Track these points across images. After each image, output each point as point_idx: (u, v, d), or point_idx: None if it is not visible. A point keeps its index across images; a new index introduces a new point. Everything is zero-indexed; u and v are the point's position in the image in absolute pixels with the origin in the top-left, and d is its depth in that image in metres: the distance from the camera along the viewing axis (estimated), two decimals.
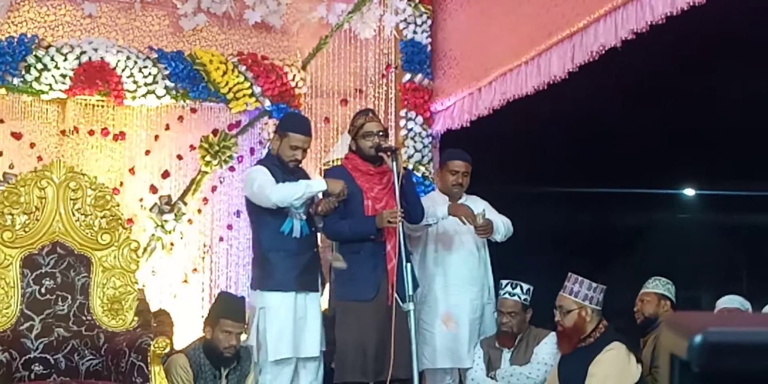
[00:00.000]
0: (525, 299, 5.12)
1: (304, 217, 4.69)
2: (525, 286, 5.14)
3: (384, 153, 4.65)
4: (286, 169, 4.72)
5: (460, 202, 5.31)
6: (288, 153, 4.71)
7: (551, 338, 5.04)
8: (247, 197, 4.75)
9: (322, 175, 5.23)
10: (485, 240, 5.34)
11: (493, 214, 5.24)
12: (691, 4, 4.61)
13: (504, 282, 5.18)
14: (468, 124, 6.91)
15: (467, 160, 5.38)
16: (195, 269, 6.94)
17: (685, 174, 10.28)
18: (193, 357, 4.83)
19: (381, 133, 4.76)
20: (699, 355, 0.82)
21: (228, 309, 4.93)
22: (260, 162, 4.88)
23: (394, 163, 4.57)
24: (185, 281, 6.89)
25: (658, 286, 5.56)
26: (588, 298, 4.48)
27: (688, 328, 0.82)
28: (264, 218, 4.69)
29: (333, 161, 6.68)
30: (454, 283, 5.27)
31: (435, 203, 5.19)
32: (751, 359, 0.82)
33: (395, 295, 4.52)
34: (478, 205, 5.31)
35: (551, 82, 5.90)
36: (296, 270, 4.63)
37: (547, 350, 5.02)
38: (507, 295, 5.13)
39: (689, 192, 11.54)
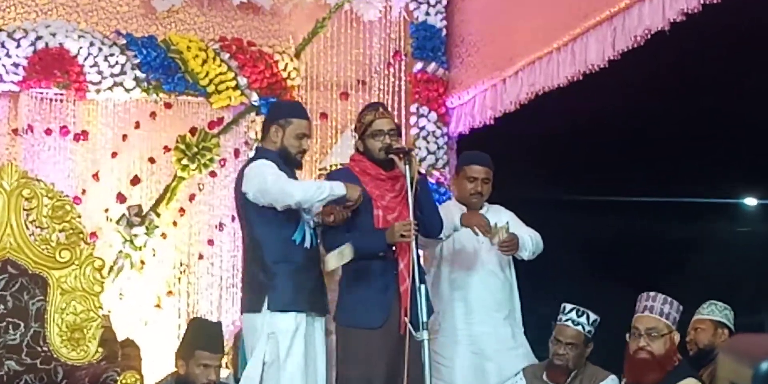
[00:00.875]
0: (589, 331, 5.11)
1: (313, 226, 4.67)
2: (592, 317, 5.12)
3: (396, 155, 4.63)
4: (292, 165, 4.67)
5: (480, 213, 5.32)
6: (295, 143, 4.65)
7: (611, 382, 5.03)
8: (249, 198, 4.56)
9: (324, 178, 5.22)
10: (510, 258, 5.34)
11: (519, 228, 5.23)
12: None
13: (568, 307, 5.17)
14: (491, 122, 6.91)
15: (487, 165, 5.38)
16: (170, 292, 6.94)
17: (745, 180, 10.27)
18: None
19: (392, 132, 4.75)
20: None
21: (204, 338, 4.92)
22: (260, 157, 4.70)
23: (408, 167, 4.55)
24: (158, 306, 6.88)
25: (714, 311, 5.56)
26: (675, 322, 4.51)
27: (752, 353, 0.82)
28: (271, 224, 4.56)
29: (331, 166, 6.68)
30: (477, 310, 5.27)
31: (450, 214, 5.19)
32: None
33: (408, 322, 4.51)
34: (501, 216, 5.31)
35: (588, 72, 5.91)
36: (308, 287, 4.57)
37: None
38: (570, 323, 5.11)
39: (750, 201, 11.54)
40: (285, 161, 4.63)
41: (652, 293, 4.60)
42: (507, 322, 5.32)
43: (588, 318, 5.10)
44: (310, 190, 4.44)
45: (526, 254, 5.21)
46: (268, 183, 4.45)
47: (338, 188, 4.45)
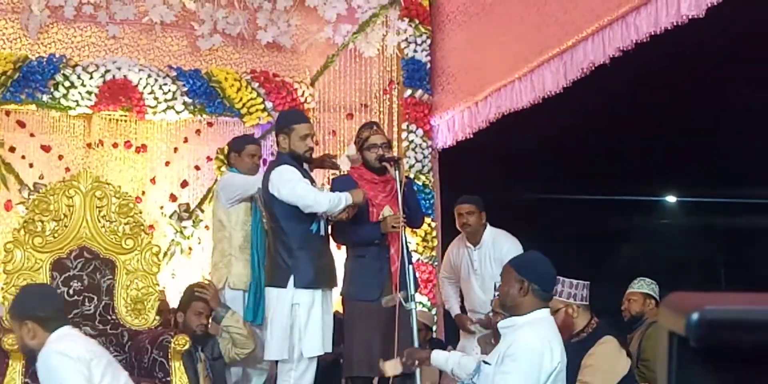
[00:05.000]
0: None
1: (326, 218, 4.65)
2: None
3: (387, 163, 4.65)
4: (304, 162, 4.63)
5: (484, 244, 5.39)
6: (301, 145, 4.58)
7: None
8: (277, 198, 4.49)
9: (330, 183, 5.20)
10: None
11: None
12: (675, 23, 4.63)
13: (498, 282, 5.17)
14: (469, 136, 6.92)
15: (470, 202, 5.41)
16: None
17: (667, 182, 10.30)
18: None
19: (385, 145, 4.76)
20: (696, 332, 0.83)
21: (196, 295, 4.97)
22: (281, 162, 4.62)
23: (397, 173, 4.56)
24: None
25: (643, 286, 5.57)
26: (572, 295, 4.45)
27: (686, 306, 0.84)
28: (294, 218, 4.52)
29: (340, 172, 6.68)
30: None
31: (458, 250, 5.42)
32: (746, 335, 0.83)
33: (399, 295, 4.51)
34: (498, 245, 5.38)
35: (545, 97, 5.91)
36: (324, 268, 4.57)
37: None
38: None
39: (671, 199, 11.57)
40: (298, 161, 4.59)
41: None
42: None
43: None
44: (333, 202, 4.42)
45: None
46: (297, 191, 4.42)
47: (348, 199, 4.46)
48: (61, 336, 3.60)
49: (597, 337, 4.36)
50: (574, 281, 4.47)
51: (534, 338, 3.24)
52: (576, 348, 4.37)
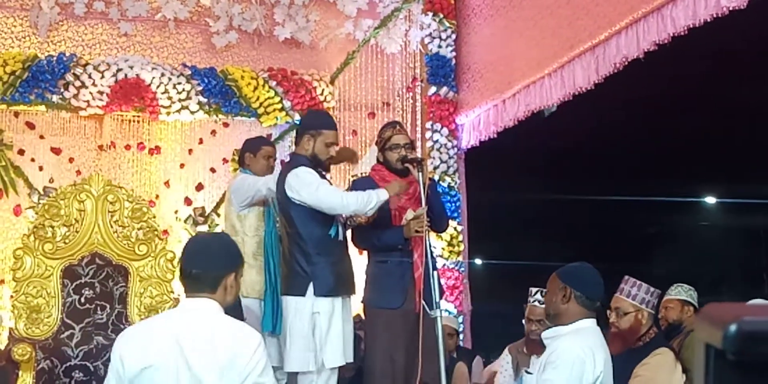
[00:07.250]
0: None
1: (344, 222, 4.63)
2: None
3: (410, 164, 4.63)
4: (322, 169, 4.61)
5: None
6: (324, 151, 4.58)
7: None
8: (294, 202, 4.46)
9: (350, 185, 5.19)
10: None
11: None
12: (714, 15, 4.59)
13: (534, 290, 5.14)
14: (494, 136, 6.91)
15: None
16: None
17: (706, 182, 10.23)
18: None
19: (407, 145, 4.75)
20: (734, 344, 0.83)
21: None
22: (297, 164, 4.57)
23: (420, 174, 4.54)
24: None
25: (680, 292, 5.52)
26: (645, 301, 4.43)
27: (723, 318, 0.83)
28: (312, 222, 4.49)
29: (361, 173, 6.69)
30: None
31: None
32: None
33: (423, 302, 4.50)
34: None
35: (576, 94, 5.88)
36: (343, 275, 4.54)
37: None
38: (536, 303, 5.09)
39: (710, 200, 11.48)
40: (315, 166, 4.55)
41: (626, 277, 4.54)
42: None
43: None
44: (361, 201, 4.36)
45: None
46: (319, 193, 4.37)
47: (383, 194, 4.41)
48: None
49: (653, 347, 4.34)
50: (651, 288, 4.45)
51: (576, 346, 3.24)
52: (630, 356, 4.36)
